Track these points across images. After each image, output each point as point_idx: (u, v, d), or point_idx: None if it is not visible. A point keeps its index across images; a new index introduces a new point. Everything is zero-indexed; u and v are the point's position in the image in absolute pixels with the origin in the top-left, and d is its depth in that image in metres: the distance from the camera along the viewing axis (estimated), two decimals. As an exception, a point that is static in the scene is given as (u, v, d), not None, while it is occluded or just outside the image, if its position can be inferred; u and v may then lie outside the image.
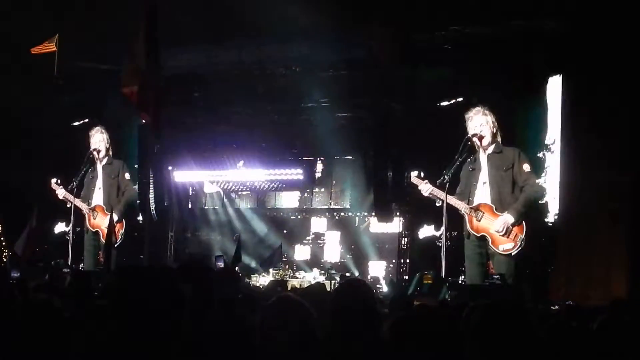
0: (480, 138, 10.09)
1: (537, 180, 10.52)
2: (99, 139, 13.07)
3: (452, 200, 10.02)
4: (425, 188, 10.30)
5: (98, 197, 12.88)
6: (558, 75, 12.34)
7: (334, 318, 4.18)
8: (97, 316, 4.23)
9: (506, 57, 12.41)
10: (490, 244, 9.82)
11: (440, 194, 10.06)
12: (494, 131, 10.22)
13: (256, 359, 3.67)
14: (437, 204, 10.21)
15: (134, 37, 9.47)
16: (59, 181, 13.18)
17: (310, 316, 3.67)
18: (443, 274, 9.84)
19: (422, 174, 10.58)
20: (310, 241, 17.83)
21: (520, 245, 9.82)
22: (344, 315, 4.17)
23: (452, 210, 10.09)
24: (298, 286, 13.60)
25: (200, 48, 14.86)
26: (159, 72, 9.48)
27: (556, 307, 9.34)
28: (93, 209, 12.81)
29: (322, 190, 17.67)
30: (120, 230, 12.55)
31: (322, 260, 17.23)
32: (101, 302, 4.95)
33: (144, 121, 9.44)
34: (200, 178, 18.08)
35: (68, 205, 12.89)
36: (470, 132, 10.19)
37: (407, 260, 14.15)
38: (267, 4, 12.87)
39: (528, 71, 12.36)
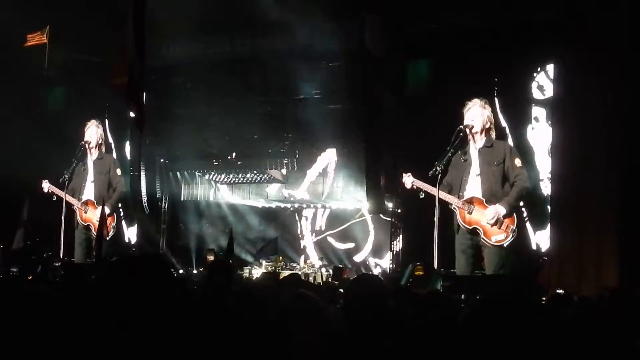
0: (471, 129, 10.10)
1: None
2: (92, 132, 13.05)
3: (443, 195, 10.03)
4: (408, 181, 10.33)
5: (89, 192, 12.88)
6: (549, 65, 12.36)
7: (347, 313, 4.21)
8: (89, 307, 4.22)
9: (499, 47, 12.43)
10: (482, 235, 9.84)
11: (426, 187, 10.10)
12: (487, 125, 10.23)
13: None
14: (421, 196, 10.23)
15: (123, 27, 9.43)
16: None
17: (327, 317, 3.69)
18: (435, 265, 9.85)
19: (405, 167, 10.64)
20: (303, 233, 17.83)
21: (512, 236, 9.85)
22: (356, 310, 4.19)
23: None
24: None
25: (193, 39, 14.85)
26: (144, 63, 9.44)
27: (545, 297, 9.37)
28: (85, 204, 12.80)
29: (315, 182, 17.62)
30: (111, 223, 12.56)
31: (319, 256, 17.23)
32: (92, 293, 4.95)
33: (132, 113, 9.41)
34: (192, 170, 18.06)
35: (54, 199, 12.87)
36: (464, 122, 10.22)
37: (400, 251, 14.13)
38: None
39: (521, 61, 12.37)
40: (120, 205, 12.96)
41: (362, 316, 4.17)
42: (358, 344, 3.97)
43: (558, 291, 10.11)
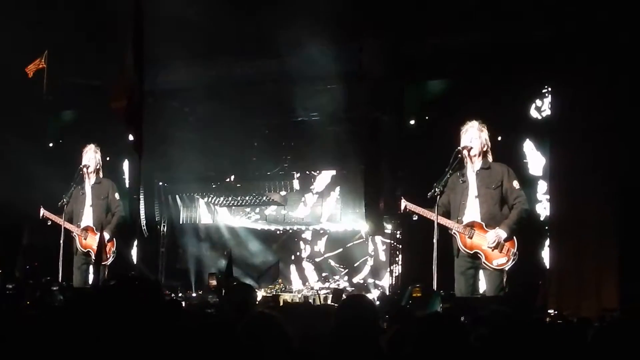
0: (469, 150, 10.11)
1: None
2: (91, 156, 13.05)
3: (443, 220, 10.01)
4: (402, 205, 10.37)
5: (88, 217, 12.85)
6: (548, 86, 12.41)
7: (337, 333, 4.20)
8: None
9: (497, 69, 12.46)
10: (484, 259, 9.82)
11: (420, 210, 10.13)
12: (484, 148, 10.23)
13: None
14: (414, 218, 10.26)
15: (121, 50, 9.46)
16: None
17: (286, 337, 3.68)
18: (435, 287, 9.82)
19: (405, 189, 10.66)
20: (302, 256, 17.79)
21: (513, 260, 9.84)
22: (346, 330, 4.19)
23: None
24: (290, 301, 13.60)
25: (191, 63, 14.87)
26: (142, 86, 9.46)
27: (547, 318, 9.36)
28: (84, 230, 12.77)
29: (314, 204, 17.61)
30: (111, 248, 12.51)
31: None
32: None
33: (130, 137, 9.41)
34: (191, 192, 18.07)
35: (49, 223, 12.88)
36: (462, 144, 10.22)
37: (400, 273, 14.11)
38: (258, 19, 12.92)
39: (519, 82, 12.41)
40: (119, 229, 12.90)
41: (353, 338, 4.16)
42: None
43: (550, 311, 10.15)
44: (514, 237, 9.85)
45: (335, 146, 15.38)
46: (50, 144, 16.08)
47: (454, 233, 9.99)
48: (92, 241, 12.40)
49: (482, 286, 10.28)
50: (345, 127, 15.05)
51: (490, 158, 10.20)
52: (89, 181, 12.92)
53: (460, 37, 12.64)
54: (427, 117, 13.45)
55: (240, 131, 15.88)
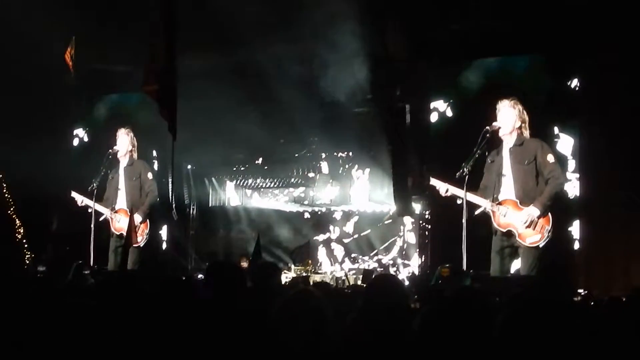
0: (497, 130, 10.01)
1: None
2: (123, 140, 12.97)
3: (474, 198, 9.92)
4: (444, 189, 10.25)
5: (121, 200, 12.78)
6: (577, 65, 12.35)
7: (365, 312, 4.24)
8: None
9: (523, 49, 12.43)
10: (517, 237, 9.73)
11: (459, 192, 10.01)
12: (517, 124, 10.03)
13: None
14: (458, 202, 10.15)
15: (154, 35, 9.51)
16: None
17: (325, 315, 3.68)
18: (464, 267, 9.82)
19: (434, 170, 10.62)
20: (331, 237, 17.84)
21: (547, 237, 9.74)
22: (374, 310, 4.22)
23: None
24: (320, 282, 13.66)
25: (216, 47, 14.91)
26: (175, 70, 9.52)
27: (578, 297, 9.36)
28: (116, 212, 12.73)
29: (342, 185, 17.65)
30: (144, 230, 12.47)
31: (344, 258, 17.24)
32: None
33: (163, 119, 9.47)
34: (219, 175, 18.17)
35: (90, 211, 12.78)
36: (494, 123, 10.12)
37: (429, 254, 14.13)
38: (282, 1, 12.94)
39: (548, 61, 12.35)
40: (153, 210, 12.82)
41: (380, 317, 4.19)
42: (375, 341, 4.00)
43: (580, 291, 10.09)
44: (549, 214, 9.69)
45: (362, 127, 15.42)
46: (81, 130, 16.20)
47: (488, 211, 9.90)
48: (125, 224, 12.41)
49: (518, 266, 10.19)
50: (372, 108, 15.06)
51: (526, 134, 9.96)
52: (121, 164, 12.88)
53: (484, 19, 12.60)
54: (455, 98, 13.42)
55: (267, 113, 15.92)
